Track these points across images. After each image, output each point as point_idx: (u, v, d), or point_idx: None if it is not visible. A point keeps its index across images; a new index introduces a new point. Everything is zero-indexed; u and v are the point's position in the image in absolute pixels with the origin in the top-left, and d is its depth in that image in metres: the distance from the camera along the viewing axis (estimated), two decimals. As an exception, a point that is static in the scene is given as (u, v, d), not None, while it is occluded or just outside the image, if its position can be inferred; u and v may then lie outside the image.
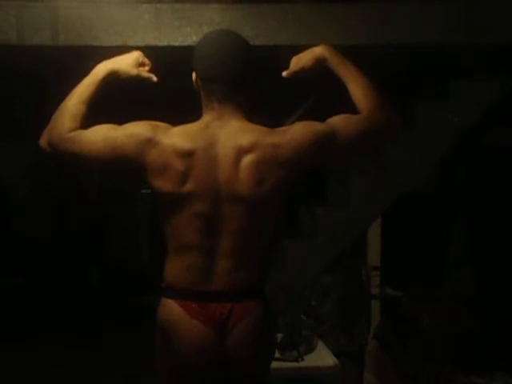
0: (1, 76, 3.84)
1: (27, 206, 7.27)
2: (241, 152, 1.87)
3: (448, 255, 5.19)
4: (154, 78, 2.11)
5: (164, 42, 3.40)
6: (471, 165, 5.16)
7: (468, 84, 4.09)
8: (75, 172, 6.60)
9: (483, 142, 4.97)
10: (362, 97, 1.99)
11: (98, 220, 7.35)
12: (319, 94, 4.25)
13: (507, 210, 4.95)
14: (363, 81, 2.03)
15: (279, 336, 3.26)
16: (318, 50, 2.08)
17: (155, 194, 1.91)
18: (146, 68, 2.13)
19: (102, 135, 1.93)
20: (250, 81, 1.98)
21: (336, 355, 3.34)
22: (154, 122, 1.96)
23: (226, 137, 1.90)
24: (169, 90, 4.33)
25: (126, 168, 1.94)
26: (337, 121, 1.95)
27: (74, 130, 1.97)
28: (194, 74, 2.00)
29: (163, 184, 1.88)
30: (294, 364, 3.20)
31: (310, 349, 3.33)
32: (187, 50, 3.41)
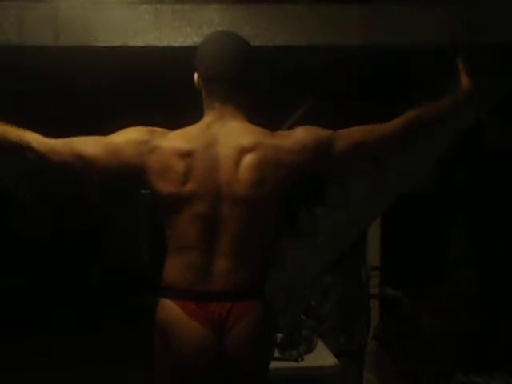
0: (1, 76, 3.84)
1: (27, 206, 7.28)
2: (241, 152, 1.88)
3: (448, 255, 5.19)
4: None
5: (164, 43, 3.40)
6: (471, 165, 5.16)
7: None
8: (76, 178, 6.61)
9: (483, 141, 4.97)
10: (423, 114, 2.04)
11: (98, 220, 7.35)
12: (319, 94, 4.26)
13: (507, 210, 4.96)
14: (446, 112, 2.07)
15: (279, 336, 3.26)
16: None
17: (156, 196, 1.91)
18: None
19: (101, 143, 1.93)
20: (251, 81, 1.99)
21: (336, 355, 3.34)
22: (150, 127, 1.96)
23: (227, 137, 1.91)
24: (169, 90, 4.34)
25: (127, 174, 1.95)
26: (346, 131, 1.95)
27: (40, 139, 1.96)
28: (195, 75, 2.00)
29: (164, 185, 1.88)
30: (294, 364, 3.20)
31: (310, 349, 3.33)
32: (187, 51, 3.44)
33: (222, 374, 1.89)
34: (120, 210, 7.43)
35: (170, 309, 1.89)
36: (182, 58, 3.56)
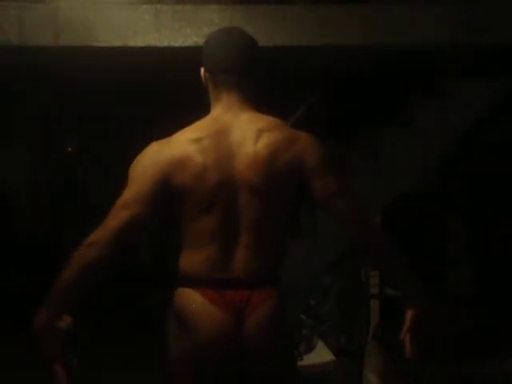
0: (2, 77, 3.85)
1: (28, 206, 7.28)
2: (254, 140, 1.90)
3: (447, 254, 5.20)
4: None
5: (164, 43, 3.40)
6: (471, 164, 5.16)
7: (468, 84, 4.09)
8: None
9: (483, 141, 4.97)
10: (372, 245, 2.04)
11: (98, 220, 7.34)
12: (318, 94, 4.26)
13: (507, 210, 4.96)
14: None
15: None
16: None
17: (173, 191, 1.91)
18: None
19: (134, 203, 1.88)
20: (258, 73, 2.01)
21: (336, 355, 3.35)
22: (151, 153, 1.93)
23: (238, 125, 1.93)
24: (169, 90, 4.35)
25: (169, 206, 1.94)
26: (333, 179, 1.95)
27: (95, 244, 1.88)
28: (202, 70, 2.02)
29: (180, 179, 1.88)
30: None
31: (310, 348, 3.34)
32: (187, 51, 3.44)
33: (241, 359, 1.89)
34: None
35: (189, 296, 1.90)
36: (181, 58, 3.58)
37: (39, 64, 3.74)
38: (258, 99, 2.01)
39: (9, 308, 5.83)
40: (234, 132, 1.91)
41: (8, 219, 7.13)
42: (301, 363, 3.23)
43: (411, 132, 4.17)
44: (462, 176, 5.24)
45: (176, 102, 4.15)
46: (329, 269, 4.32)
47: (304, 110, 4.32)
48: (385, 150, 4.13)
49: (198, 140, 1.90)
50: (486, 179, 5.08)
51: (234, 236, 1.90)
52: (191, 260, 1.93)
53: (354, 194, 1.96)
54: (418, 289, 2.01)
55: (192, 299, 1.89)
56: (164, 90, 4.35)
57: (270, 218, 1.93)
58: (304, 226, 4.51)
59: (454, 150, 4.46)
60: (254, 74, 2.00)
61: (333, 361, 3.21)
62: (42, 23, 3.35)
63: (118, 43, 3.37)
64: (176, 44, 3.40)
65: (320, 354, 3.33)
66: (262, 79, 2.02)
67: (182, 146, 1.90)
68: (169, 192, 1.89)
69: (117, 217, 1.89)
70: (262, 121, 1.95)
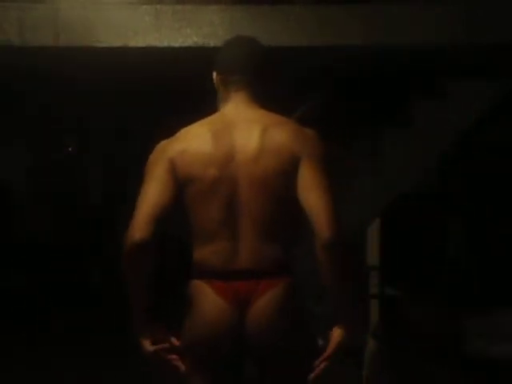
0: (2, 77, 3.85)
1: (28, 206, 7.28)
2: (260, 133, 1.95)
3: (447, 255, 5.20)
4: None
5: (164, 43, 3.40)
6: (471, 164, 5.16)
7: (468, 84, 4.09)
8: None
9: (483, 141, 4.98)
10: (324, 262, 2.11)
11: (98, 220, 7.35)
12: (318, 95, 4.26)
13: (507, 210, 4.96)
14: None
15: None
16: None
17: (181, 185, 1.95)
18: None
19: (162, 195, 1.95)
20: (267, 74, 2.07)
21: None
22: (158, 153, 1.99)
23: (245, 120, 1.98)
24: (169, 90, 4.35)
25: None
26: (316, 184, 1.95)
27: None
28: (214, 74, 2.08)
29: (187, 173, 1.94)
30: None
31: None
32: (187, 51, 3.45)
33: (245, 348, 1.93)
34: (120, 210, 7.44)
35: (197, 286, 1.96)
36: (182, 58, 3.59)
37: (39, 64, 3.74)
38: (267, 99, 2.05)
39: (9, 308, 5.84)
40: (240, 126, 1.97)
41: (8, 219, 7.13)
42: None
43: (411, 132, 4.17)
44: (462, 176, 5.24)
45: (176, 102, 4.16)
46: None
47: (304, 110, 4.32)
48: (385, 150, 4.13)
49: (205, 132, 1.96)
50: (486, 179, 5.08)
51: (241, 228, 1.94)
52: (201, 252, 1.98)
53: (330, 197, 1.96)
54: (347, 308, 2.03)
55: (200, 289, 1.95)
56: (164, 90, 4.36)
57: (277, 210, 1.96)
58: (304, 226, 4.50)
59: (454, 150, 4.46)
60: (263, 73, 2.06)
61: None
62: (42, 23, 3.35)
63: (118, 43, 3.38)
64: (176, 44, 3.40)
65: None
66: (272, 80, 2.06)
67: (189, 138, 1.97)
68: (177, 180, 1.95)
69: (147, 204, 1.96)
70: (269, 117, 2.01)
